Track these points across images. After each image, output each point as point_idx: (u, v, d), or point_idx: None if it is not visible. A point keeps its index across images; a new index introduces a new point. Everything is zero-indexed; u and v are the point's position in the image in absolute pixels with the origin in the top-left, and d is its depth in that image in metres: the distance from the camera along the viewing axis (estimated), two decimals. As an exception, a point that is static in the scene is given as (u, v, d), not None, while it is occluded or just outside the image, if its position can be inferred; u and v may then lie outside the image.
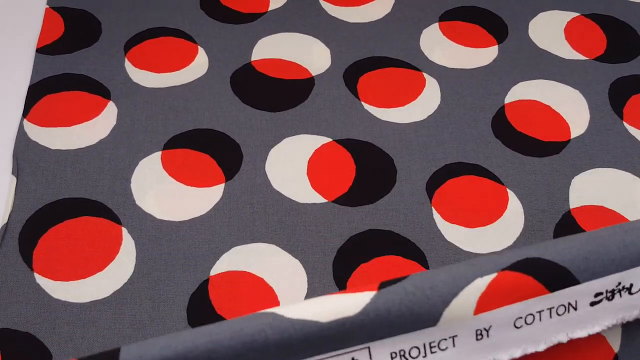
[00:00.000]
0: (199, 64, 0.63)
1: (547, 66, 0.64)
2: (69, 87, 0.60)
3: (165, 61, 0.63)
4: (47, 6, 0.67)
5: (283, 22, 0.67)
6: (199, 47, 0.64)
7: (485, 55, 0.65)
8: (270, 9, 0.68)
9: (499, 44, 0.66)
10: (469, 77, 0.63)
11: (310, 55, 0.64)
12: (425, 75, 0.63)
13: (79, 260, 0.50)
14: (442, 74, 0.63)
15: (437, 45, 0.66)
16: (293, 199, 0.54)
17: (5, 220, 0.51)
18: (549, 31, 0.67)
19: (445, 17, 0.68)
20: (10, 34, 0.65)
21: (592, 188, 0.56)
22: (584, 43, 0.67)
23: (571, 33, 0.67)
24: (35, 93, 0.59)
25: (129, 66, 0.62)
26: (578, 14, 0.69)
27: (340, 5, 0.69)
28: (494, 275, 0.34)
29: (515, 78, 0.63)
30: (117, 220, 0.52)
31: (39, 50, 0.63)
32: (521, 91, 0.62)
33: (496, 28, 0.67)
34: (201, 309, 0.49)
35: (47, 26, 0.65)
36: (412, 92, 0.62)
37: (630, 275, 0.35)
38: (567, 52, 0.66)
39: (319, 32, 0.66)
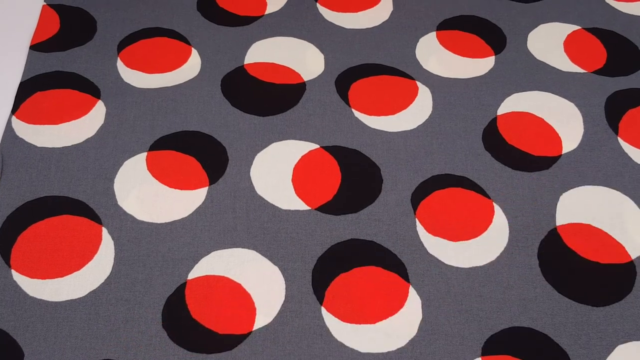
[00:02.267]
0: (191, 66, 0.63)
1: (544, 78, 0.63)
2: (59, 85, 0.60)
3: (157, 62, 0.63)
4: (44, 3, 0.67)
5: (279, 26, 0.67)
6: (192, 48, 0.64)
7: (481, 65, 0.64)
8: (267, 12, 0.68)
9: (496, 54, 0.65)
10: (463, 87, 0.62)
11: (304, 60, 0.64)
12: (419, 84, 0.62)
13: (57, 258, 0.50)
14: (436, 83, 0.63)
15: (433, 54, 0.65)
16: (276, 205, 0.54)
17: (-14, 217, 0.51)
18: (548, 43, 0.67)
19: (444, 26, 0.68)
20: (6, 31, 0.65)
21: (580, 205, 0.55)
22: (584, 56, 0.66)
23: (571, 46, 0.66)
24: (26, 90, 0.59)
25: (120, 66, 0.62)
26: (579, 27, 0.68)
27: (337, 11, 0.69)
28: None
29: (509, 89, 0.62)
30: (98, 220, 0.52)
31: (33, 47, 0.63)
32: (515, 103, 0.61)
33: (494, 39, 0.67)
34: (177, 313, 0.48)
35: (42, 23, 0.65)
36: (404, 101, 0.61)
37: None
38: (565, 64, 0.65)
39: (314, 38, 0.66)
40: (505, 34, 0.67)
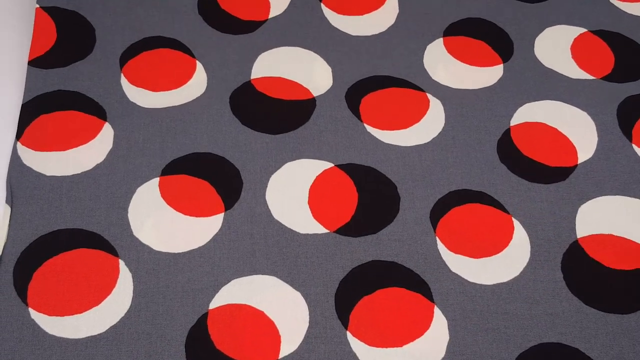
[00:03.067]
0: (198, 82, 0.61)
1: (554, 86, 0.63)
2: (63, 107, 0.58)
3: (162, 78, 0.61)
4: (38, 6, 0.64)
5: (284, 33, 0.65)
6: (197, 62, 0.62)
7: (490, 74, 0.63)
8: (270, 16, 0.66)
9: (504, 62, 0.64)
10: (474, 98, 0.62)
11: (312, 74, 0.62)
12: (429, 95, 0.61)
13: (75, 294, 0.49)
14: (446, 94, 0.62)
15: (440, 62, 0.64)
16: (294, 229, 0.53)
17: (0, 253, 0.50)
18: (555, 49, 0.66)
19: (450, 31, 0.66)
20: (1, 45, 0.62)
21: (599, 216, 0.55)
22: (591, 61, 0.65)
23: (578, 51, 0.66)
24: (29, 113, 0.57)
25: (124, 83, 0.60)
26: (585, 30, 0.67)
27: (342, 13, 0.67)
28: None
29: (521, 99, 0.62)
30: (114, 252, 0.51)
31: (31, 63, 0.60)
32: (527, 113, 0.61)
33: (501, 45, 0.66)
34: (200, 345, 0.47)
35: (38, 33, 0.61)
36: (416, 114, 0.60)
37: None
38: (574, 71, 0.64)
39: (320, 47, 0.64)
40: (512, 39, 0.66)
